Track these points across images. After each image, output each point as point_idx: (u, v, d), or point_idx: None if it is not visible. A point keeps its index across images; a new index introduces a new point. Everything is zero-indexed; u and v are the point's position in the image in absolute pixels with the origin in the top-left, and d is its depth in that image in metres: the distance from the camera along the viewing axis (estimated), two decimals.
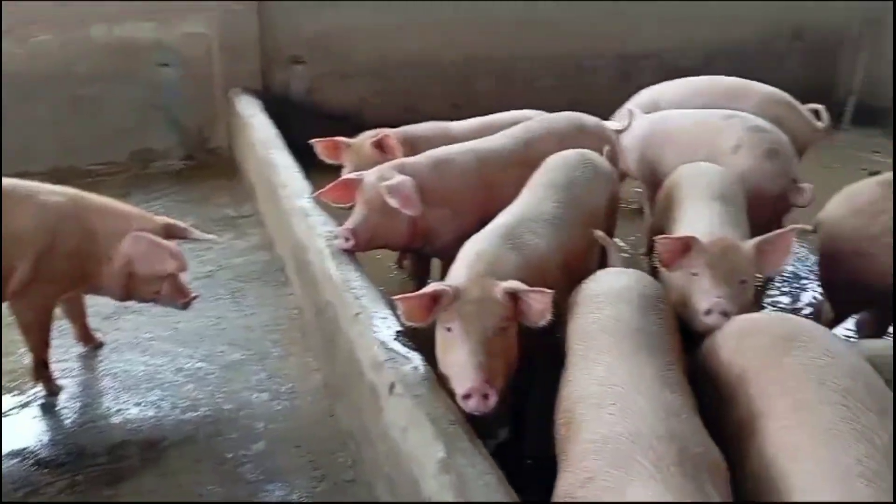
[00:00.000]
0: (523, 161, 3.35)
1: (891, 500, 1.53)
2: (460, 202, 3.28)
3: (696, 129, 3.80)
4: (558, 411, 2.04)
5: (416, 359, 2.38)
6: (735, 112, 3.83)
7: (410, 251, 3.62)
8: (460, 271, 2.38)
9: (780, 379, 1.90)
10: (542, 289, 2.19)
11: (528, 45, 6.19)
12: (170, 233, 3.03)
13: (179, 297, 3.08)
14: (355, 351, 2.59)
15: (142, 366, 3.30)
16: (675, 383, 1.94)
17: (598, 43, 6.36)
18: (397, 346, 2.45)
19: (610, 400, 1.84)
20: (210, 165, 5.73)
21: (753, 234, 2.69)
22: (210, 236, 3.27)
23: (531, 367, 2.46)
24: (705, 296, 2.38)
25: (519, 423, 2.74)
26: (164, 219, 3.07)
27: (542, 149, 3.41)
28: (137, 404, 3.06)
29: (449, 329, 2.20)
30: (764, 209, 3.35)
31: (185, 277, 3.12)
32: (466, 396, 2.07)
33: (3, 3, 5.03)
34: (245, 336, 3.55)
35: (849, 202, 2.98)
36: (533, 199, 2.89)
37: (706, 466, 1.65)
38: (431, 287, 2.25)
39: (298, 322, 3.65)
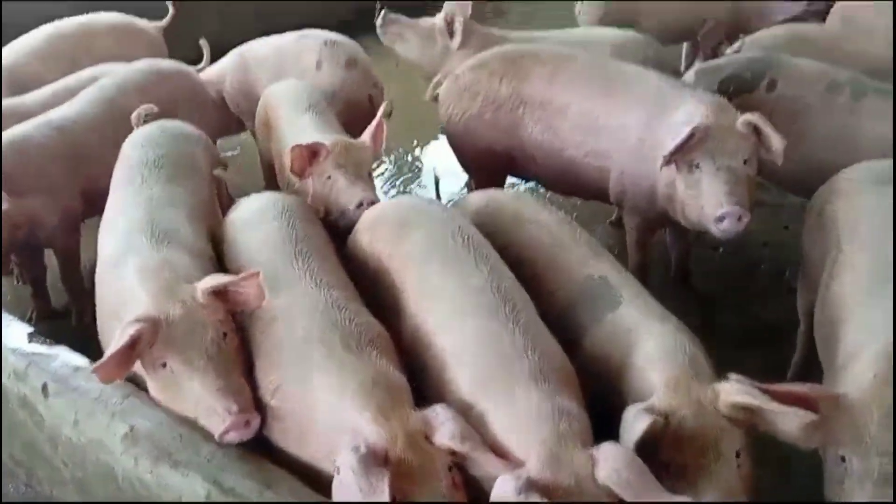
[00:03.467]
0: (113, 124, 3.16)
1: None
2: (52, 185, 3.02)
3: (278, 55, 3.92)
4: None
5: (61, 351, 2.25)
6: (306, 32, 4.01)
7: (16, 251, 3.24)
8: (137, 294, 2.01)
9: (404, 260, 2.22)
10: (247, 273, 2.00)
11: None
12: None
13: None
14: None
15: None
16: (334, 280, 2.15)
17: None
18: (36, 348, 2.28)
19: (274, 314, 2.01)
20: None
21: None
22: None
23: None
24: (347, 194, 2.59)
25: None
26: None
27: (126, 105, 3.26)
28: None
29: (164, 365, 1.91)
30: (359, 115, 3.64)
31: None
32: (228, 431, 1.84)
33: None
34: None
35: (452, 86, 3.29)
36: (143, 186, 2.56)
37: (370, 339, 1.93)
38: (126, 333, 1.85)
39: None
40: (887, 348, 1.74)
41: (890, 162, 2.32)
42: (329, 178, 2.67)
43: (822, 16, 4.31)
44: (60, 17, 4.44)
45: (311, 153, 2.66)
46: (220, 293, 1.99)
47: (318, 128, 3.05)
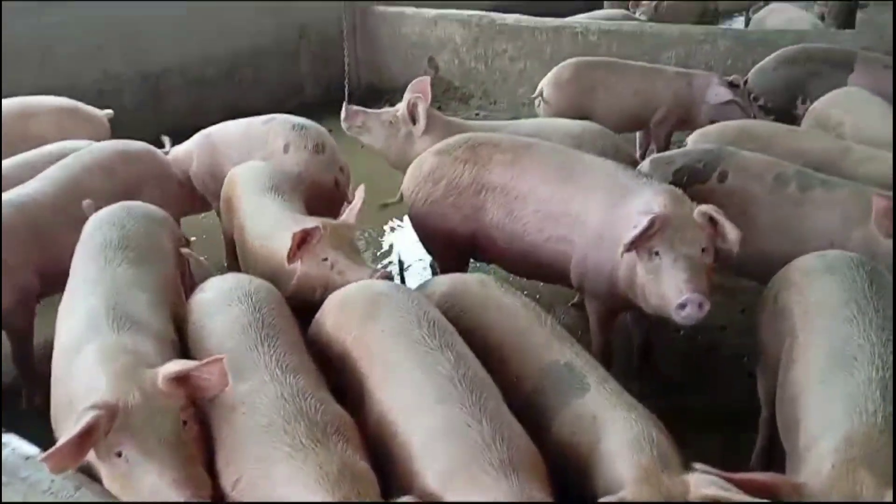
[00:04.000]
0: (76, 204, 3.13)
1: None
2: (8, 264, 2.97)
3: (246, 137, 3.96)
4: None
5: (11, 439, 2.13)
6: (274, 115, 4.08)
7: None
8: (95, 380, 1.94)
9: (369, 346, 2.22)
10: (211, 358, 1.95)
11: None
12: None
13: None
14: None
15: None
16: (298, 366, 2.13)
17: (114, 66, 6.08)
18: None
19: (238, 401, 1.97)
20: None
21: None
22: None
23: None
24: (356, 272, 2.62)
25: None
26: None
27: (90, 184, 3.26)
28: None
29: (120, 454, 1.83)
30: (323, 197, 3.69)
31: None
32: None
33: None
34: None
35: (417, 171, 3.38)
36: (106, 268, 2.51)
37: (336, 428, 1.90)
38: (82, 420, 1.78)
39: None
40: (846, 437, 1.78)
41: (838, 252, 2.43)
42: (326, 259, 2.70)
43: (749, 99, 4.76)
44: None
45: (303, 238, 2.68)
46: (181, 379, 1.93)
47: (281, 209, 3.10)
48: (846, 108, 4.00)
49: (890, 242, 2.71)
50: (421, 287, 2.72)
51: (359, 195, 2.97)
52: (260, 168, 3.48)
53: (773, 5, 7.86)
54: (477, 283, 2.58)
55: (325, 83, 7.47)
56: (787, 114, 4.85)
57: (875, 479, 1.68)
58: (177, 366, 1.95)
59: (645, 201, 2.71)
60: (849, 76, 4.65)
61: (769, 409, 2.56)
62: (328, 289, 2.63)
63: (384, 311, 2.27)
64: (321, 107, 6.87)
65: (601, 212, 2.86)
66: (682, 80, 4.99)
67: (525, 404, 2.15)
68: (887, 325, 2.06)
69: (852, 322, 2.08)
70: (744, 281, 3.49)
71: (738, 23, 9.38)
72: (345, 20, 6.93)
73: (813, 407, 1.98)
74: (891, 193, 2.73)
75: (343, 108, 4.01)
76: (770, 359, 2.42)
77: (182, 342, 2.39)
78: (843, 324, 2.09)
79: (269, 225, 3.02)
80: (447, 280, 2.69)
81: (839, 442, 1.78)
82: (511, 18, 6.84)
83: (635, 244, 2.58)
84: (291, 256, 2.68)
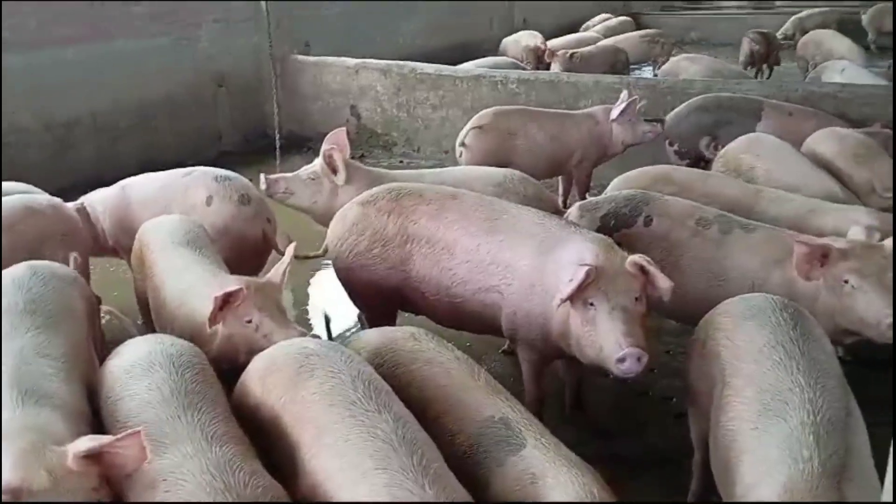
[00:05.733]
0: None
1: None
2: None
3: (164, 190, 3.81)
4: None
5: None
6: (193, 168, 3.94)
7: None
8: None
9: (301, 410, 2.11)
10: (128, 432, 1.81)
11: None
12: None
13: None
14: None
15: None
16: (225, 435, 2.00)
17: (18, 118, 5.79)
18: None
19: (159, 477, 1.83)
20: None
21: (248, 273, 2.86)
22: None
23: None
24: (283, 334, 2.52)
25: None
26: None
27: None
28: None
29: None
30: (249, 251, 3.59)
31: None
32: None
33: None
34: None
35: (341, 223, 3.30)
36: (11, 335, 2.33)
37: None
38: None
39: None
40: (784, 485, 1.79)
41: (762, 296, 2.49)
42: (250, 321, 2.58)
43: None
44: None
45: (225, 300, 2.56)
46: (94, 456, 1.78)
47: (199, 265, 2.97)
48: (756, 153, 4.17)
49: (808, 284, 2.81)
50: (350, 342, 2.62)
51: (288, 253, 2.87)
52: (174, 221, 3.33)
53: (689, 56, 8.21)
54: (408, 337, 2.51)
55: (244, 132, 7.36)
56: (700, 158, 5.06)
57: None
58: (89, 442, 1.80)
59: (577, 251, 2.71)
60: (757, 123, 4.89)
61: (702, 453, 2.57)
62: (252, 351, 2.50)
63: (316, 371, 2.16)
64: (241, 156, 6.82)
65: (532, 261, 2.85)
66: (590, 119, 5.14)
67: (462, 461, 2.08)
68: (813, 367, 2.11)
69: (780, 366, 2.12)
70: (668, 322, 3.55)
71: (647, 72, 9.80)
72: (274, 70, 6.85)
73: (748, 453, 1.98)
74: (807, 238, 2.82)
75: (262, 180, 3.92)
76: (701, 402, 2.43)
77: (96, 414, 2.22)
78: (772, 368, 2.12)
79: (188, 283, 2.88)
80: (377, 334, 2.61)
81: (779, 491, 1.78)
82: (431, 68, 6.93)
83: (571, 296, 2.57)
84: (213, 320, 2.55)
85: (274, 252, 3.71)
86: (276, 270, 2.78)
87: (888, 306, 2.60)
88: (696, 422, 2.58)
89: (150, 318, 3.22)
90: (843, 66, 6.96)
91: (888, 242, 2.75)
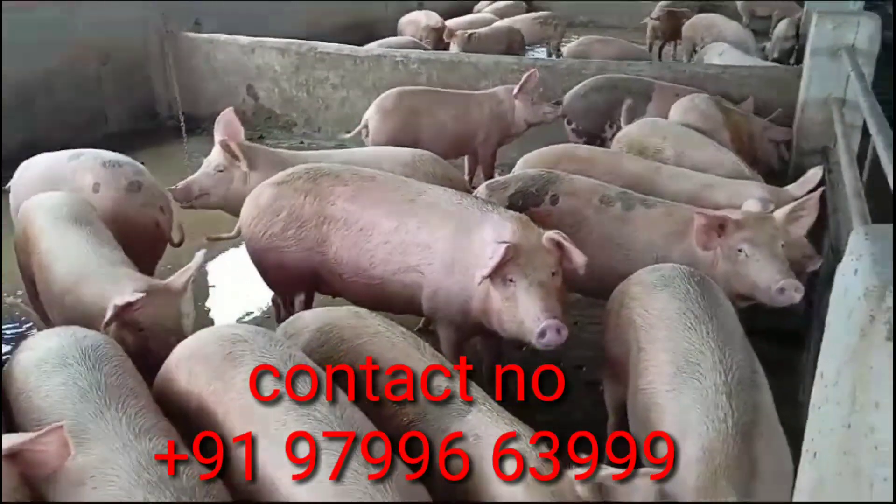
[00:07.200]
0: None
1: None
2: None
3: (48, 174, 3.59)
4: None
5: None
6: (81, 150, 3.73)
7: None
8: None
9: (231, 398, 2.06)
10: (48, 427, 1.74)
11: None
12: None
13: None
14: None
15: None
16: (155, 427, 1.95)
17: None
18: None
19: (85, 474, 1.76)
20: None
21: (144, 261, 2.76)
22: None
23: None
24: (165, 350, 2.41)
25: None
26: None
27: None
28: None
29: None
30: (141, 239, 3.42)
31: None
32: None
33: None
34: None
35: (254, 203, 3.23)
36: None
37: (205, 492, 1.76)
38: None
39: None
40: (704, 446, 1.94)
41: (671, 266, 2.64)
42: (142, 330, 2.54)
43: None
44: None
45: (122, 309, 2.48)
46: (12, 456, 1.71)
47: (90, 247, 2.86)
48: (663, 136, 4.34)
49: (706, 254, 2.99)
50: (288, 324, 2.57)
51: (196, 259, 2.75)
52: (61, 197, 3.17)
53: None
54: (351, 315, 2.48)
55: (131, 112, 7.01)
56: (596, 136, 5.26)
57: (735, 492, 1.85)
58: (7, 442, 1.71)
59: (495, 228, 2.78)
60: (648, 104, 5.11)
61: (616, 416, 2.71)
62: (142, 355, 2.45)
63: (245, 358, 2.12)
64: (128, 138, 6.45)
65: (451, 240, 2.90)
66: (493, 99, 5.23)
67: (409, 429, 2.11)
68: (721, 331, 2.26)
69: (691, 330, 2.26)
70: (574, 295, 3.69)
71: (540, 53, 10.00)
72: (167, 49, 6.53)
73: (667, 414, 2.12)
74: (705, 210, 3.00)
75: (171, 194, 3.77)
76: (617, 369, 2.57)
77: (6, 414, 2.11)
78: (684, 333, 2.26)
79: (79, 267, 2.76)
80: (318, 314, 2.57)
81: (697, 453, 1.92)
82: (331, 47, 6.81)
83: (492, 273, 2.63)
84: (107, 324, 2.47)
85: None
86: (181, 276, 2.69)
87: (778, 272, 2.81)
88: (610, 387, 2.72)
89: (36, 296, 3.07)
90: (723, 48, 7.36)
91: (778, 213, 2.97)
